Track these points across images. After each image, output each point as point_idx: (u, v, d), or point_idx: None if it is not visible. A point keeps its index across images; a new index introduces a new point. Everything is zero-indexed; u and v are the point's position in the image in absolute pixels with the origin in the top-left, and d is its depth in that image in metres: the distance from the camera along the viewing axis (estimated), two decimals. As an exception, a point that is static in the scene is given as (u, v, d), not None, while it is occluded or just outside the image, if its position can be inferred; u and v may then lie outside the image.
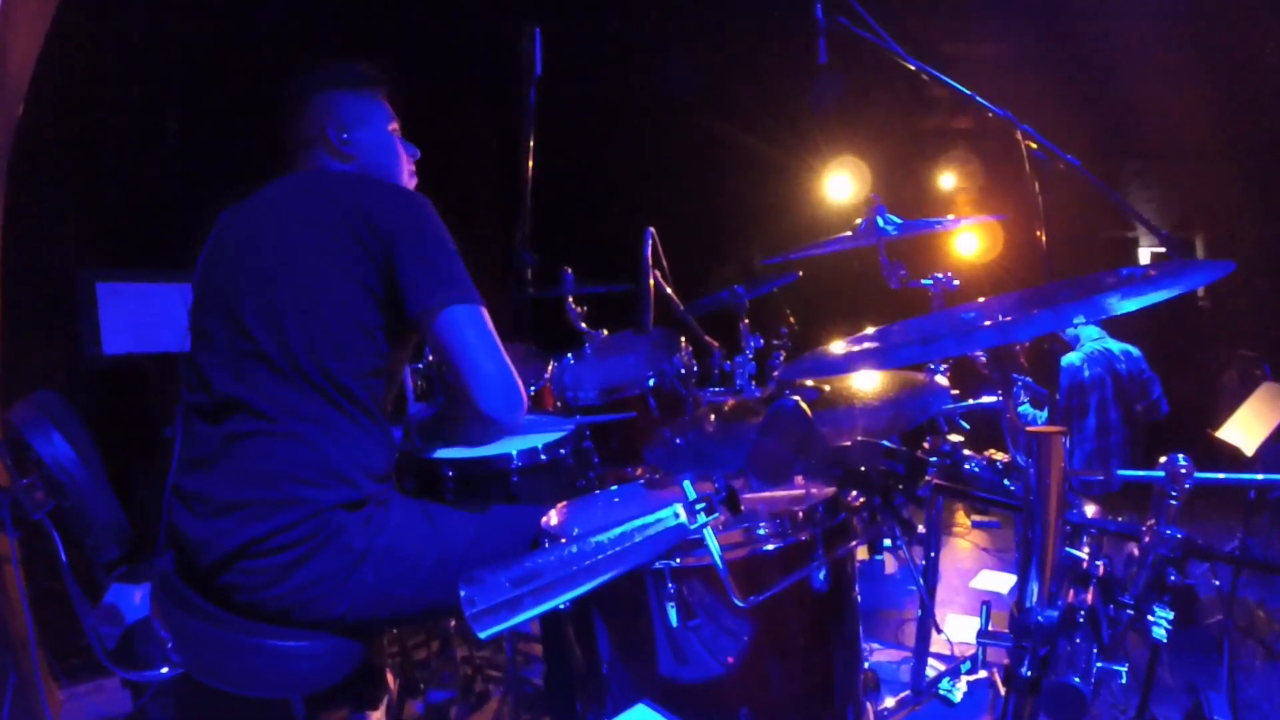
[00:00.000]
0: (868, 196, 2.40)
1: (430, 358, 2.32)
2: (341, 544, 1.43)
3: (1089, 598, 1.06)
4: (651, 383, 2.37)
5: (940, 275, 2.34)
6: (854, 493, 1.34)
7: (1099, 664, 0.99)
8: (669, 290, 2.55)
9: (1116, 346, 3.85)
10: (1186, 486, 1.19)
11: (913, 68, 1.92)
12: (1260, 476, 1.63)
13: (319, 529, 1.42)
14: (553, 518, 1.51)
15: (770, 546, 1.26)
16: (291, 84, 1.70)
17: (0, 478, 1.96)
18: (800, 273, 3.15)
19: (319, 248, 1.50)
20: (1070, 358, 3.84)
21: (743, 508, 1.21)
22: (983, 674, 1.66)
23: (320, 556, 1.42)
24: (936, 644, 2.19)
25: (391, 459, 1.61)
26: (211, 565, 1.43)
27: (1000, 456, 1.45)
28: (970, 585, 3.65)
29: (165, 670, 2.16)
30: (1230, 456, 3.00)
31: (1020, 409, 3.66)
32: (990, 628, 1.14)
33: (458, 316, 1.50)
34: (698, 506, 1.12)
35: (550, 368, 2.58)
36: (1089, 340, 3.87)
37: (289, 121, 1.69)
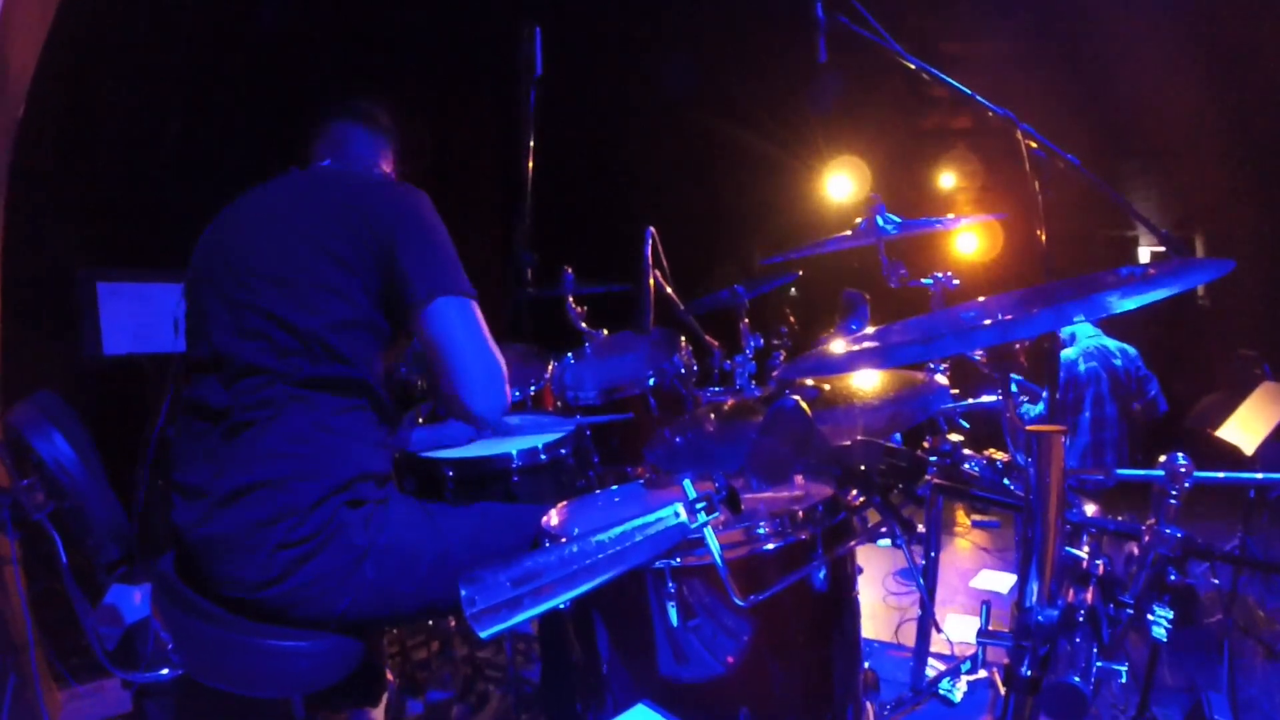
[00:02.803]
0: (867, 196, 2.40)
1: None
2: (343, 542, 1.43)
3: (1089, 597, 1.06)
4: (651, 382, 2.37)
5: (940, 274, 2.33)
6: (854, 492, 1.34)
7: (1099, 663, 0.99)
8: (669, 290, 2.55)
9: (1112, 344, 3.86)
10: (1186, 485, 1.19)
11: (913, 67, 1.91)
12: (1260, 476, 1.64)
13: (321, 527, 1.41)
14: (553, 517, 1.51)
15: (770, 546, 1.26)
16: (323, 108, 1.77)
17: (0, 479, 1.96)
18: (800, 272, 3.15)
19: (321, 243, 1.51)
20: (1066, 353, 3.84)
21: (743, 507, 1.21)
22: (983, 674, 1.66)
23: (323, 555, 1.42)
24: (936, 644, 2.19)
25: (390, 456, 1.61)
26: (211, 564, 1.43)
27: (1000, 456, 1.45)
28: (970, 585, 3.65)
29: (165, 671, 2.16)
30: (1230, 456, 3.00)
31: (1021, 410, 3.66)
32: (990, 627, 1.14)
33: (447, 308, 1.52)
34: (698, 506, 1.12)
35: (550, 368, 2.58)
36: (1084, 337, 3.87)
37: (309, 134, 1.75)
